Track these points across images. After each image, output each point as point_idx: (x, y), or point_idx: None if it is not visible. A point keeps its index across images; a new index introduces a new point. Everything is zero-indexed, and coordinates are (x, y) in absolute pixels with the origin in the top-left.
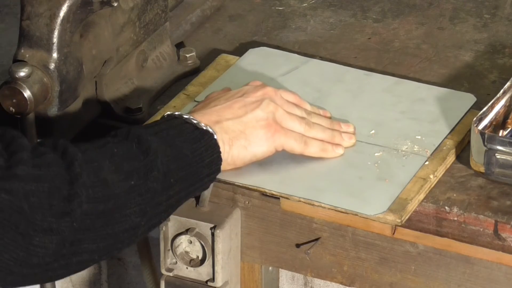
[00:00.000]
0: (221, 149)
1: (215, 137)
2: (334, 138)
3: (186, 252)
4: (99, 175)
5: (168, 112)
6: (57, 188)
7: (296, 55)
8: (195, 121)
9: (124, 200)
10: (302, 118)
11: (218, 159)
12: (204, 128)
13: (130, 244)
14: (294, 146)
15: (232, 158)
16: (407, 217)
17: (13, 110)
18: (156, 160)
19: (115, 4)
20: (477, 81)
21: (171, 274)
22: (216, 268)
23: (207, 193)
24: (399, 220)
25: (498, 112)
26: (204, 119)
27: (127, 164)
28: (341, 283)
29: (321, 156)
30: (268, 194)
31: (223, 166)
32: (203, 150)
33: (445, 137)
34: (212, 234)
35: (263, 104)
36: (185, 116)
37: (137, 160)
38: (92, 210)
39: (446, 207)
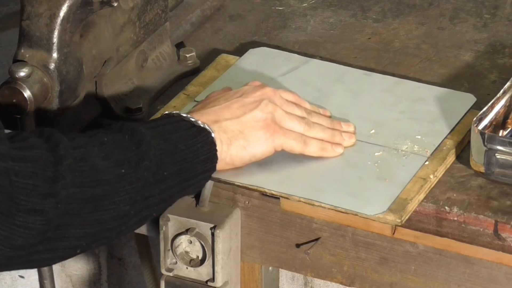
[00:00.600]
0: (219, 148)
1: (212, 135)
2: (334, 138)
3: (186, 252)
4: (87, 160)
5: (166, 112)
6: (41, 169)
7: (296, 55)
8: (192, 119)
9: (113, 187)
10: (302, 118)
11: (214, 157)
12: (202, 125)
13: (120, 235)
14: (293, 146)
15: (231, 158)
16: (407, 217)
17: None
18: (148, 151)
19: (115, 4)
20: (477, 81)
21: (171, 274)
22: (216, 268)
23: (207, 193)
24: (399, 220)
25: (498, 112)
26: (202, 118)
27: (118, 153)
28: (341, 283)
29: (321, 155)
30: (268, 194)
31: (222, 166)
32: (199, 147)
33: (445, 137)
34: (212, 234)
35: (261, 104)
36: (183, 115)
37: (128, 150)
38: (79, 194)
39: (446, 207)
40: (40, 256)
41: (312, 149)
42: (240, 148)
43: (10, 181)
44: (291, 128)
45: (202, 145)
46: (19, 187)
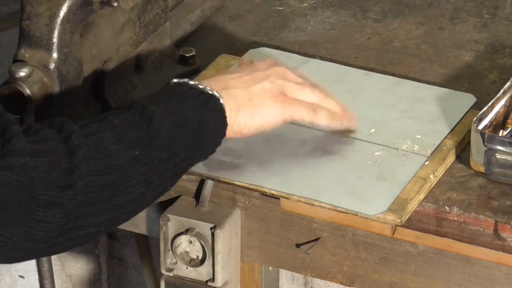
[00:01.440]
0: (227, 114)
1: (221, 101)
2: (344, 114)
3: (186, 252)
4: (100, 147)
5: (174, 80)
6: (57, 162)
7: (296, 55)
8: (201, 86)
9: (128, 170)
10: (315, 87)
11: (224, 124)
12: (210, 92)
13: (136, 214)
14: (303, 114)
15: (239, 126)
16: (407, 217)
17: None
18: (160, 128)
19: (115, 4)
20: (477, 81)
21: (171, 274)
22: (216, 268)
23: (207, 193)
24: (399, 220)
25: (498, 112)
26: (210, 85)
27: (130, 134)
28: (341, 283)
29: (330, 125)
30: (268, 194)
31: (230, 134)
32: (209, 116)
33: (445, 137)
34: (212, 234)
35: (271, 77)
36: (190, 82)
37: (140, 129)
38: (95, 182)
39: (446, 207)
40: (60, 246)
41: (322, 118)
42: (248, 115)
43: (28, 177)
44: (302, 98)
45: (212, 113)
46: (37, 181)
